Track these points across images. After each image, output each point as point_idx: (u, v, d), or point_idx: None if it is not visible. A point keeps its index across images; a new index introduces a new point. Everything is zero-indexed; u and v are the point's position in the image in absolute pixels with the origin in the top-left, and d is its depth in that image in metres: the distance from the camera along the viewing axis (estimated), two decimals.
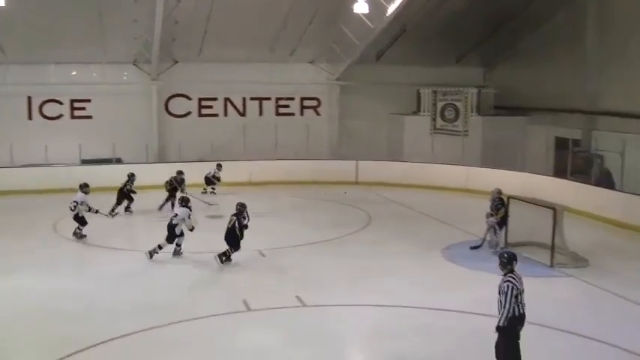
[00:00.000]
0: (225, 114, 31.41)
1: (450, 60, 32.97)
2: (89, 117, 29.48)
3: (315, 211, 21.09)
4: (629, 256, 17.47)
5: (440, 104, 30.78)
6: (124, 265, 16.34)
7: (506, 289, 9.44)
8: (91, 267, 16.60)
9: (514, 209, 17.50)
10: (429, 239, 18.72)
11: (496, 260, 9.91)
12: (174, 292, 14.14)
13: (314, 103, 32.72)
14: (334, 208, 22.74)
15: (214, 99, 31.17)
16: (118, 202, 21.85)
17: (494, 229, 17.49)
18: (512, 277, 9.56)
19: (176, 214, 16.81)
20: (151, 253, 16.45)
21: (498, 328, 9.46)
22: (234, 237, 16.05)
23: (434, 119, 30.74)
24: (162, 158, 29.32)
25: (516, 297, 9.44)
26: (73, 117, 29.47)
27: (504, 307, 9.38)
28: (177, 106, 30.75)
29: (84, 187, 18.85)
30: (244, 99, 31.57)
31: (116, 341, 11.30)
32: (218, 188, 25.50)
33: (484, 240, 17.72)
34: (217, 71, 30.15)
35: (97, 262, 16.88)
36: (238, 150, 28.64)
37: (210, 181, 25.77)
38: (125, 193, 22.09)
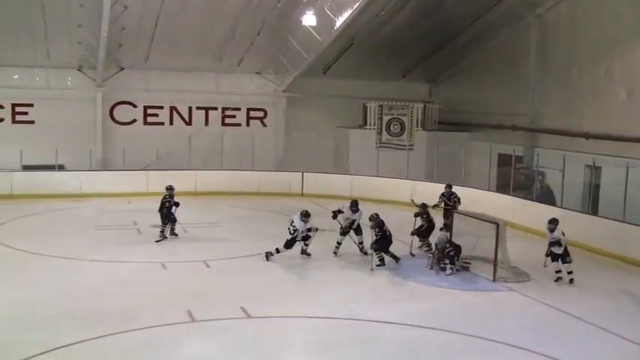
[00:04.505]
0: (171, 123, 31.21)
1: (397, 75, 33.38)
2: (31, 122, 28.98)
3: (260, 222, 20.94)
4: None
5: (386, 118, 31.07)
6: (63, 273, 16.10)
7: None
8: (25, 274, 16.05)
9: (458, 224, 17.84)
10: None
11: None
12: (118, 302, 13.83)
13: (260, 114, 32.72)
14: (278, 220, 22.61)
15: (160, 107, 30.95)
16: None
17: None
18: None
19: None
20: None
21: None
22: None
23: (380, 133, 31.01)
24: (105, 166, 28.98)
25: None
26: (14, 122, 28.98)
27: None
28: (123, 113, 30.45)
29: (304, 216, 17.58)
30: (190, 108, 31.46)
31: (56, 352, 11.03)
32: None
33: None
34: (164, 79, 30.02)
35: (30, 269, 16.46)
36: (183, 159, 28.34)
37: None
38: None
